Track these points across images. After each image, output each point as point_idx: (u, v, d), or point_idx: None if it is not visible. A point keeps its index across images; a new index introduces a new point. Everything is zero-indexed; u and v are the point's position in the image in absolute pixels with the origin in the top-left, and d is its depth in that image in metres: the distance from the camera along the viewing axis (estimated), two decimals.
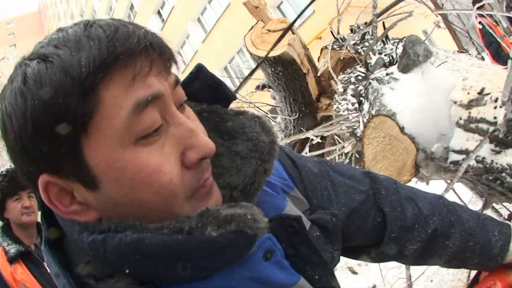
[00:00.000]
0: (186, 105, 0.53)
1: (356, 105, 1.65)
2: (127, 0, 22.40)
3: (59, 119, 0.44)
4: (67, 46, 0.45)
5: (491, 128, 1.24)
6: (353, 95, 1.80)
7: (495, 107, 1.24)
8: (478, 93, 1.29)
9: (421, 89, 1.26)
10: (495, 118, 1.24)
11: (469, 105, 1.30)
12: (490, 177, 1.26)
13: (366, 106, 1.32)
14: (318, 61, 2.23)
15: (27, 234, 1.98)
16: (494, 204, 1.52)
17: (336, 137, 1.82)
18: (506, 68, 1.18)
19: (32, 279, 1.83)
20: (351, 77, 1.89)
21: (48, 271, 1.61)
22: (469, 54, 1.80)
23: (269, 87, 2.35)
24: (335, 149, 1.70)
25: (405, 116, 1.20)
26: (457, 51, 1.80)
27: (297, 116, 2.10)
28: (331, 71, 1.88)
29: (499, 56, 3.92)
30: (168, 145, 0.48)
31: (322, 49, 2.16)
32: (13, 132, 0.46)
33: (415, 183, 1.33)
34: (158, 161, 0.47)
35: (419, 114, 1.21)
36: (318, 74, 2.13)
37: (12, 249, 1.86)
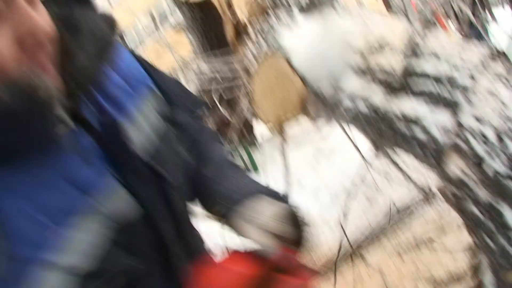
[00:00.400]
0: None
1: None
2: None
3: None
4: None
5: (387, 77, 1.28)
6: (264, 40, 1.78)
7: (393, 57, 1.27)
8: (378, 42, 1.32)
9: (319, 32, 1.25)
10: (391, 67, 1.28)
11: (368, 53, 1.32)
12: (382, 123, 1.31)
13: (264, 44, 1.31)
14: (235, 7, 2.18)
15: None
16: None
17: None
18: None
19: None
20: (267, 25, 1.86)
21: None
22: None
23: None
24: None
25: (300, 57, 1.20)
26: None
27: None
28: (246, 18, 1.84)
29: None
30: (5, 28, 0.49)
31: None
32: None
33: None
34: None
35: (315, 56, 1.22)
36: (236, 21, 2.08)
37: None
